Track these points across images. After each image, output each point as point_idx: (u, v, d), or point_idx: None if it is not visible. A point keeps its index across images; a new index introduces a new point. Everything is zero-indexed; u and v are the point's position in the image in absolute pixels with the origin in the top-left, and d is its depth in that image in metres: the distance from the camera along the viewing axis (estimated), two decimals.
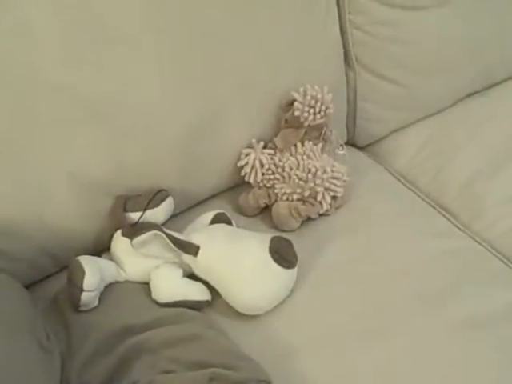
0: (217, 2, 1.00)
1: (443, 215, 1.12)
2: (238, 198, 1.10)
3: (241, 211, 1.09)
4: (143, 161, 1.00)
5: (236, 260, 0.90)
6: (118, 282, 0.93)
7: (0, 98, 0.88)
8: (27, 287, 0.95)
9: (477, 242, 1.06)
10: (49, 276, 1.02)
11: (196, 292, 0.92)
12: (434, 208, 1.14)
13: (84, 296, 0.86)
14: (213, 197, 1.13)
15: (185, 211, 1.09)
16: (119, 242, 0.95)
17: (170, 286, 0.91)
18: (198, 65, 1.00)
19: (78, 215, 0.98)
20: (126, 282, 0.94)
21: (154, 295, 0.91)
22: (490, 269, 1.01)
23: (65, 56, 0.90)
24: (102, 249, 1.01)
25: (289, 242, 0.91)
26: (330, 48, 1.16)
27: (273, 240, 0.90)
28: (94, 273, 0.87)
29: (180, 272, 0.92)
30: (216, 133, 1.05)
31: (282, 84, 1.09)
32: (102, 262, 0.93)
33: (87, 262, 0.89)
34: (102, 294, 0.91)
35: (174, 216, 1.05)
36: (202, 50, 1.00)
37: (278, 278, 0.90)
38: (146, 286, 0.93)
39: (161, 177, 1.02)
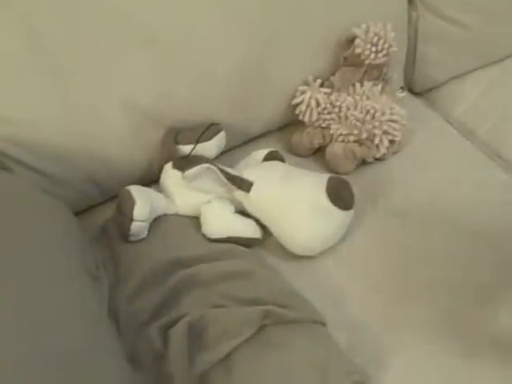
0: None
1: (502, 166, 1.07)
2: (291, 137, 1.06)
3: (293, 151, 1.06)
4: (194, 93, 0.97)
5: (291, 199, 0.87)
6: (167, 215, 0.91)
7: (55, 19, 0.84)
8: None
9: None
10: (95, 205, 1.00)
11: (247, 229, 0.89)
12: (493, 159, 1.09)
13: (134, 226, 0.85)
14: (264, 135, 1.09)
15: (235, 148, 1.06)
16: (170, 175, 0.93)
17: (221, 221, 0.88)
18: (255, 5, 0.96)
19: (128, 145, 0.95)
20: (176, 215, 0.92)
21: (204, 230, 0.88)
22: None
23: None
24: (149, 180, 0.99)
25: (346, 183, 0.88)
26: None
27: (330, 180, 0.87)
28: (144, 203, 0.85)
29: (231, 208, 0.89)
30: (270, 67, 1.00)
31: (342, 19, 1.03)
32: (152, 193, 0.90)
33: (138, 191, 0.86)
34: (151, 225, 0.89)
35: (224, 152, 1.01)
36: None
37: (334, 218, 0.87)
38: (195, 219, 0.91)
39: (211, 110, 0.99)
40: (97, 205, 1.00)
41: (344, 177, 0.96)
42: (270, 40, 0.99)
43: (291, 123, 1.08)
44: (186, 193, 0.90)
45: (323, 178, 0.87)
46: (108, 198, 0.99)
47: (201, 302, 0.80)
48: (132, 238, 0.87)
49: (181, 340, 0.74)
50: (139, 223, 0.85)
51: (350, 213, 0.88)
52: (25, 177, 0.90)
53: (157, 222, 0.90)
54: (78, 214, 0.96)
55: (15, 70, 0.84)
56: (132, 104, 0.92)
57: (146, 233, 0.88)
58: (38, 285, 0.66)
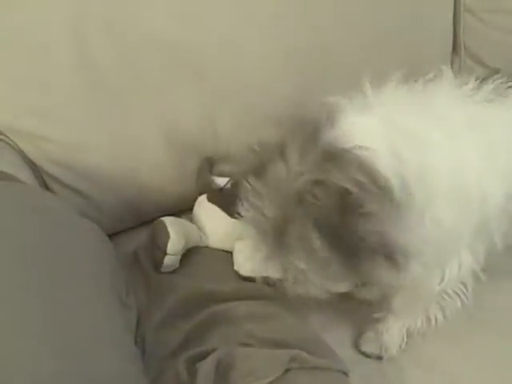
0: None
1: None
2: None
3: None
4: (237, 128, 0.98)
5: None
6: (199, 247, 0.92)
7: (109, 51, 0.87)
8: None
9: None
10: (127, 229, 1.02)
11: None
12: None
13: (167, 259, 0.85)
14: None
15: None
16: (204, 207, 0.93)
17: (254, 259, 0.89)
18: (302, 39, 0.97)
19: (168, 175, 0.97)
20: (208, 247, 0.92)
21: (236, 266, 0.88)
22: None
23: (172, 13, 0.88)
24: (182, 209, 1.00)
25: None
26: (440, 30, 1.11)
27: None
28: (179, 237, 0.85)
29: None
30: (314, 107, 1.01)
31: (384, 63, 1.04)
32: (186, 225, 0.91)
33: (173, 224, 0.87)
34: (184, 255, 0.89)
35: None
36: (309, 24, 0.97)
37: None
38: (227, 254, 0.91)
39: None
40: (130, 228, 1.01)
41: None
42: (320, 79, 1.00)
43: None
44: (219, 227, 0.91)
45: None
46: (141, 223, 1.01)
47: (229, 339, 0.80)
48: (164, 270, 0.87)
49: (209, 375, 0.75)
50: (172, 257, 0.86)
51: None
52: (64, 196, 0.92)
53: (190, 253, 0.90)
54: (111, 236, 0.97)
55: (68, 95, 0.87)
56: (175, 135, 0.94)
57: (177, 265, 0.88)
58: (67, 305, 0.67)
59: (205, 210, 0.93)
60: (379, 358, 0.85)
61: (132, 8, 0.86)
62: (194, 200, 0.97)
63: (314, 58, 0.99)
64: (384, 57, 1.04)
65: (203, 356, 0.77)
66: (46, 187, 0.92)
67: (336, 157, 0.61)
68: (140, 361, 0.78)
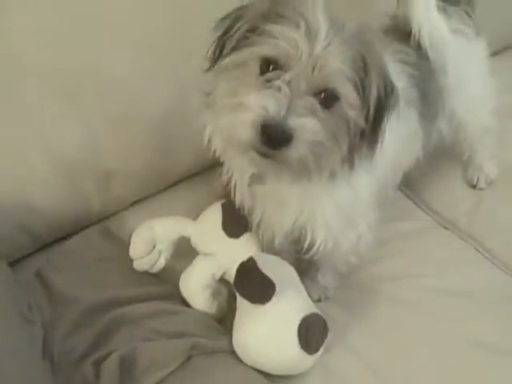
0: None
1: None
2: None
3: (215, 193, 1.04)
4: (117, 142, 0.99)
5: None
6: (103, 259, 0.96)
7: None
8: None
9: None
10: (29, 254, 1.01)
11: None
12: None
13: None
14: (187, 178, 1.13)
15: (156, 194, 1.10)
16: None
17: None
18: (172, 45, 0.98)
19: (58, 194, 0.97)
20: (112, 258, 0.96)
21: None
22: None
23: (37, 28, 0.88)
24: (77, 229, 1.01)
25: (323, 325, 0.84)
26: None
27: (305, 319, 0.82)
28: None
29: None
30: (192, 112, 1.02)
31: None
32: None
33: None
34: (86, 268, 0.93)
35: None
36: (178, 30, 0.98)
37: (297, 360, 0.83)
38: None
39: (135, 156, 1.01)
40: (31, 253, 1.01)
41: None
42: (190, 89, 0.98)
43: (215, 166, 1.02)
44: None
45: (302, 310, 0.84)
46: (41, 247, 1.01)
47: (131, 338, 0.84)
48: None
49: (113, 372, 0.78)
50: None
51: (315, 357, 0.85)
52: None
53: (93, 264, 0.95)
54: (13, 263, 0.97)
55: None
56: (58, 154, 0.94)
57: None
58: None
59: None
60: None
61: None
62: (91, 218, 1.01)
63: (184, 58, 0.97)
64: None
65: (108, 357, 0.80)
66: None
67: None
68: (48, 372, 0.81)
